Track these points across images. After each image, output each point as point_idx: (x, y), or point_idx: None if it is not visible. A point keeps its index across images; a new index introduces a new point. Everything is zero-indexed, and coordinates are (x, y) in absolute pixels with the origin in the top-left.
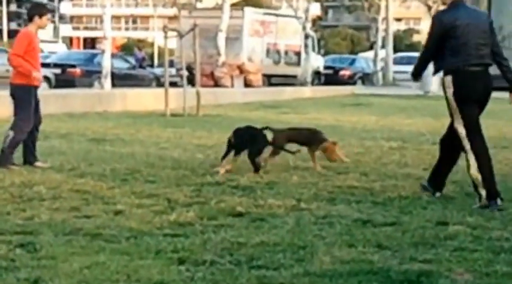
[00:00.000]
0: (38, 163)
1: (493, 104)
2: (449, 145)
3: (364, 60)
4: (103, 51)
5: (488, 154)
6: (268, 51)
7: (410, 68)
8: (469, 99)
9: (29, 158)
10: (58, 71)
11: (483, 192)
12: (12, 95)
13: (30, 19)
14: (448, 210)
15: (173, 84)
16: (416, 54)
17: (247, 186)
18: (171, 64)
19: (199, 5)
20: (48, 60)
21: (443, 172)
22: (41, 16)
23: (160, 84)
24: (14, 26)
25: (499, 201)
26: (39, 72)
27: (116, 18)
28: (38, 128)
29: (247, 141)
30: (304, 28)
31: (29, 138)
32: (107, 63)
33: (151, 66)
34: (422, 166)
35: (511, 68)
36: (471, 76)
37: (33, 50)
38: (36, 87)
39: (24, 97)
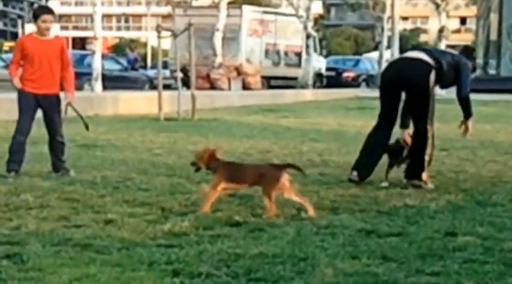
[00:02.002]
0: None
1: (504, 108)
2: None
3: (369, 61)
4: (93, 52)
5: (371, 142)
6: (267, 52)
7: None
8: (382, 86)
9: (57, 166)
10: None
11: None
12: None
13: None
14: (457, 219)
15: (167, 87)
16: None
17: (245, 195)
18: (165, 65)
19: (194, 3)
20: None
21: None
22: (35, 19)
23: (153, 87)
24: (0, 25)
25: (354, 173)
26: (38, 79)
27: (107, 17)
28: (57, 140)
29: None
30: (305, 27)
31: (51, 150)
32: (97, 65)
33: (144, 67)
34: (429, 173)
35: None
36: (389, 64)
37: (26, 56)
38: (31, 94)
39: (18, 101)
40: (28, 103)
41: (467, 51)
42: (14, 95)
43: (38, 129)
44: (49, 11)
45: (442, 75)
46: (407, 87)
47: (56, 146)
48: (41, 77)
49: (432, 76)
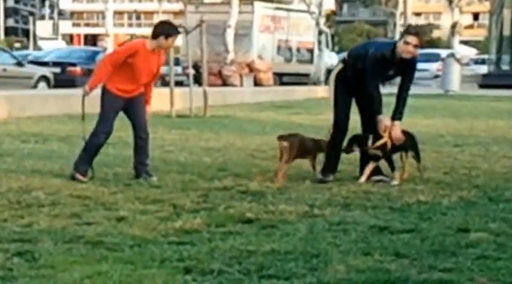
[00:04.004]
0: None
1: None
2: None
3: None
4: (104, 49)
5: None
6: (279, 48)
7: (430, 66)
8: None
9: (138, 170)
10: (57, 69)
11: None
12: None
13: (155, 37)
14: (470, 215)
15: (179, 84)
16: (437, 51)
17: (257, 191)
18: (177, 62)
19: (206, 0)
20: (46, 59)
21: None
22: (167, 37)
23: (165, 84)
24: (11, 22)
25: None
26: (129, 89)
27: (118, 14)
28: (141, 137)
29: None
30: (317, 24)
31: (135, 150)
32: None
33: None
34: (442, 169)
35: None
36: None
37: (128, 65)
38: (120, 97)
39: (103, 102)
40: (115, 107)
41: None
42: (26, 92)
43: (50, 125)
44: (178, 30)
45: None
46: None
47: (140, 144)
48: (133, 88)
49: (336, 70)
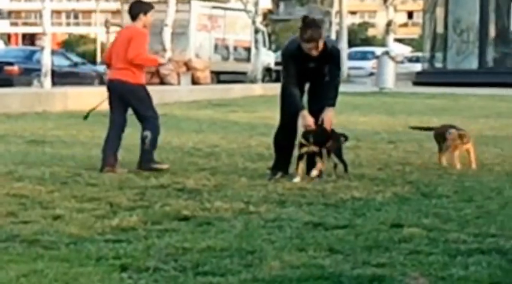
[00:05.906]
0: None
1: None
2: None
3: None
4: (42, 48)
5: None
6: (216, 47)
7: (365, 64)
8: None
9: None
10: None
11: None
12: (121, 94)
13: (135, 17)
14: (403, 211)
15: None
16: (372, 49)
17: (194, 189)
18: None
19: None
20: None
21: None
22: (145, 13)
23: (103, 82)
24: None
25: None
26: None
27: (56, 13)
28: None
29: None
30: (254, 22)
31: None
32: (46, 61)
33: (94, 63)
34: (377, 166)
35: None
36: None
37: None
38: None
39: (145, 96)
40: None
41: None
42: None
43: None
44: (151, 4)
45: None
46: None
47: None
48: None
49: None
